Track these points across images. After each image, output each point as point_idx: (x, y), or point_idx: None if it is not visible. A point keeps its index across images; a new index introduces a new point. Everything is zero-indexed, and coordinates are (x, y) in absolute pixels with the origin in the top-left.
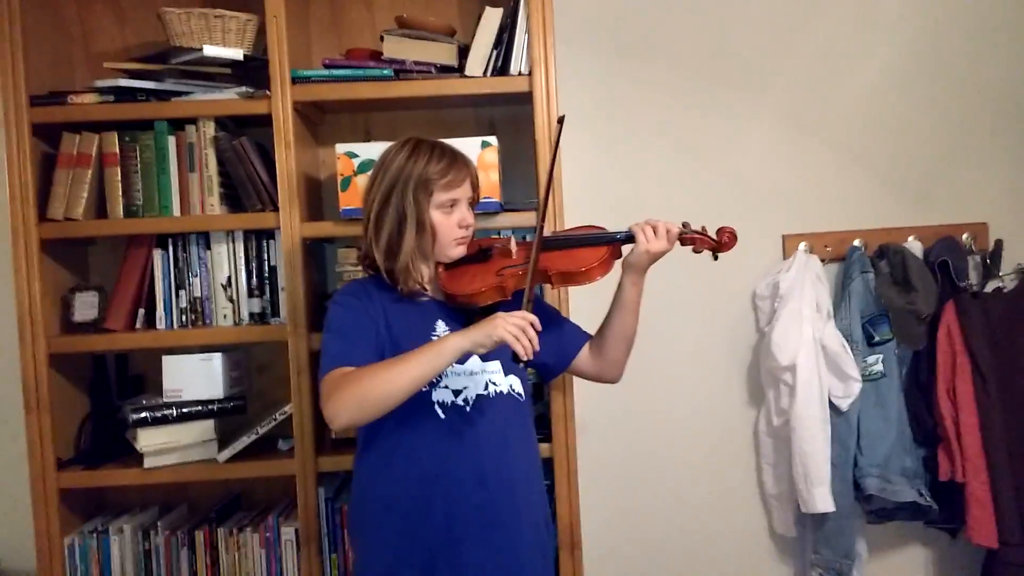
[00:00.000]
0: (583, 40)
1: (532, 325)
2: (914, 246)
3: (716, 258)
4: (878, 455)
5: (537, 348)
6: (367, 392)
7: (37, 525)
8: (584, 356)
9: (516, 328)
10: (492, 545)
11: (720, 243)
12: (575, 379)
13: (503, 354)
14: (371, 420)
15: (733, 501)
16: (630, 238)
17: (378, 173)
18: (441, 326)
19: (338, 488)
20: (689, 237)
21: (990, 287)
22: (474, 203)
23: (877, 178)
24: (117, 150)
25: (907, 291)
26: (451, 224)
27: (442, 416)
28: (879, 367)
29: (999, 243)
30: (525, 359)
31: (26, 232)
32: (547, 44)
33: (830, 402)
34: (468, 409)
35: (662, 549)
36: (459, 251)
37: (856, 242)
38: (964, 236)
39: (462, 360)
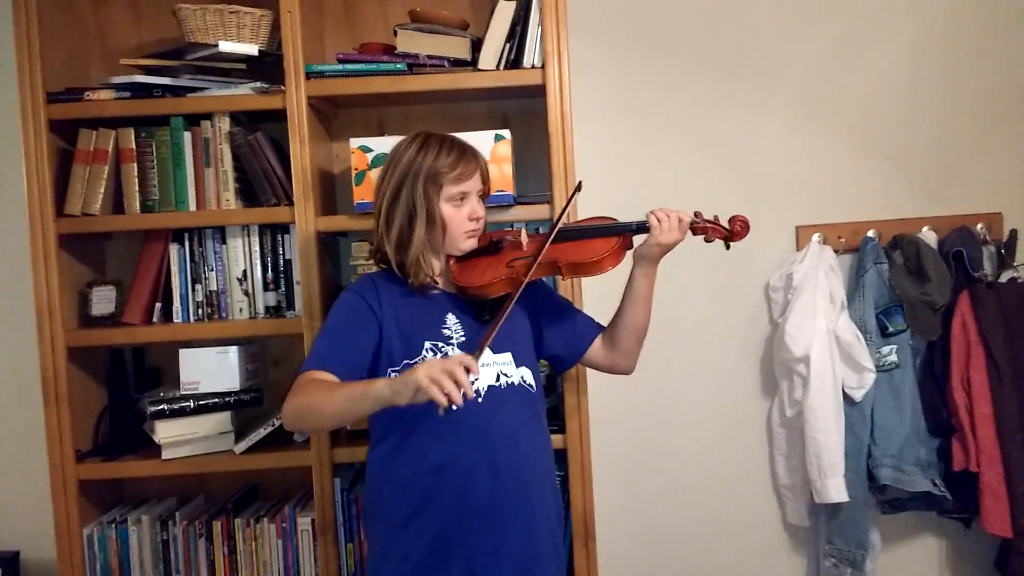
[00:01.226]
0: (596, 32)
1: (467, 368)
2: (928, 236)
3: (728, 247)
4: (892, 445)
5: (470, 394)
6: (305, 409)
7: (57, 516)
8: (597, 348)
9: (439, 375)
10: (504, 535)
11: (732, 232)
12: (588, 371)
13: (515, 345)
14: (307, 431)
15: (746, 492)
16: (641, 228)
17: (389, 167)
18: (451, 319)
19: (353, 479)
20: (701, 226)
21: (1004, 277)
22: (484, 196)
23: (891, 168)
24: (134, 146)
25: (921, 282)
26: (461, 217)
27: (454, 407)
28: (893, 358)
29: (1014, 233)
30: (443, 410)
31: (44, 227)
32: (560, 37)
33: (844, 393)
34: (480, 400)
35: (675, 540)
36: (470, 244)
37: (870, 233)
38: (979, 226)
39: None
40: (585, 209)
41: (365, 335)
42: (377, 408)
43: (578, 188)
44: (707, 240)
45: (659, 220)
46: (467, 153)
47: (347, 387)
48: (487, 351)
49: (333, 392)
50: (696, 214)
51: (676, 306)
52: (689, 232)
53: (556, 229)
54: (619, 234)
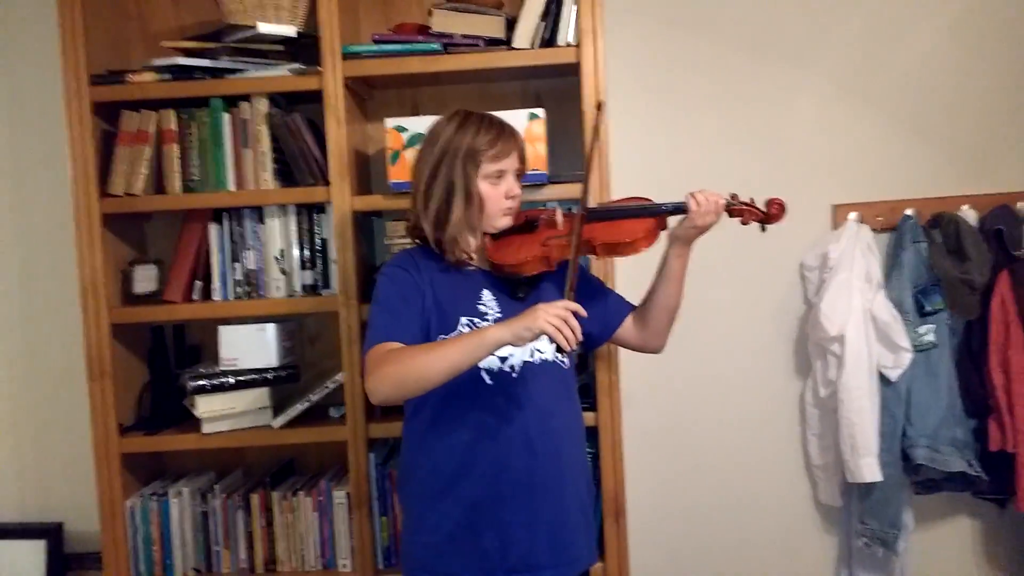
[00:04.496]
0: (629, 11)
1: (575, 313)
2: (968, 215)
3: (764, 230)
4: (928, 425)
5: (580, 338)
6: (406, 373)
7: (100, 488)
8: (628, 326)
9: (557, 319)
10: (536, 506)
11: (768, 215)
12: (620, 350)
13: None
14: (408, 398)
15: (778, 471)
16: (677, 210)
17: (427, 145)
18: (487, 295)
19: (387, 454)
20: (737, 209)
21: None
22: (521, 174)
23: (930, 146)
24: (175, 127)
25: (961, 260)
26: (498, 195)
27: (489, 382)
28: (930, 337)
29: None
30: (568, 350)
31: (89, 207)
32: (596, 15)
33: (879, 373)
34: (514, 375)
35: (706, 518)
36: (505, 221)
37: (908, 211)
38: (1019, 204)
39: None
40: (618, 189)
41: (418, 306)
42: (495, 350)
43: (599, 107)
44: (743, 223)
45: (697, 202)
46: (505, 131)
47: (450, 342)
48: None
49: (434, 351)
50: (732, 196)
51: (709, 285)
52: (725, 214)
53: (584, 193)
54: (655, 215)
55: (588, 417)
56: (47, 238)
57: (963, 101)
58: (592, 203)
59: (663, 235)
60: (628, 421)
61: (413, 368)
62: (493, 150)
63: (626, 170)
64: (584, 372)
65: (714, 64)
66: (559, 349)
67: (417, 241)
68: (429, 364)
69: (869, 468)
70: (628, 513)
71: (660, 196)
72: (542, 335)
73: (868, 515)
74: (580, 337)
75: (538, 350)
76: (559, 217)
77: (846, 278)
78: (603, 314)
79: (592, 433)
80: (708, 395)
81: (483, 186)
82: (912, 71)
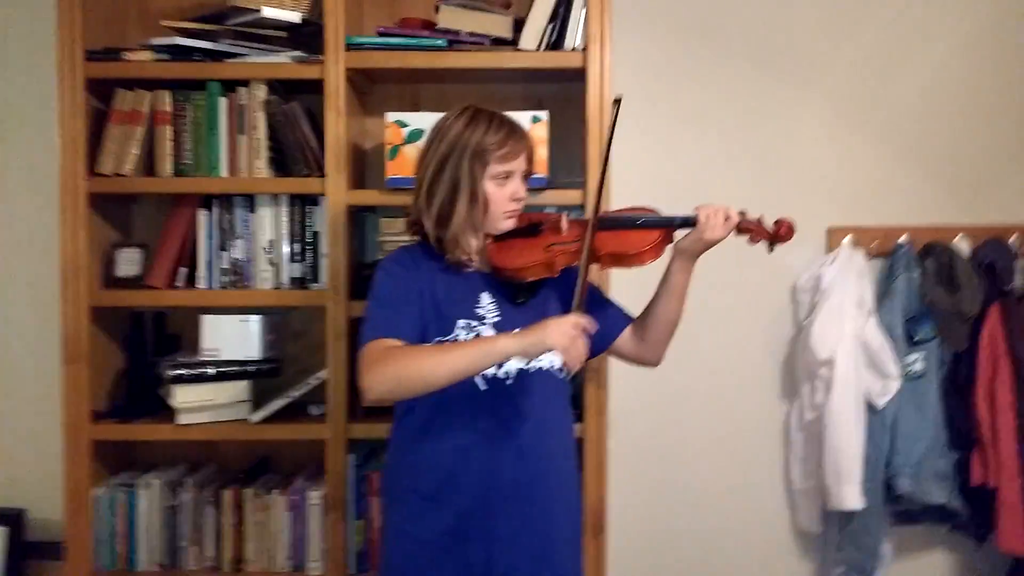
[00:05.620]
0: (636, 20)
1: (585, 331)
2: (961, 245)
3: (771, 250)
4: (913, 455)
5: (586, 355)
6: (407, 374)
7: (67, 475)
8: (625, 338)
9: (568, 337)
10: (524, 518)
11: (777, 235)
12: (611, 364)
13: None
14: (404, 399)
15: (759, 494)
16: (685, 223)
17: (434, 140)
18: (486, 298)
19: (367, 455)
20: (746, 227)
21: None
22: (528, 177)
23: (926, 174)
24: (169, 109)
25: (952, 291)
26: (504, 196)
27: (483, 388)
28: (919, 367)
29: None
30: (572, 372)
31: (75, 185)
32: (604, 20)
33: (866, 399)
34: (509, 382)
35: (685, 538)
36: (509, 224)
37: (902, 239)
38: (1012, 239)
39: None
40: (617, 198)
41: (416, 304)
42: (501, 361)
43: (617, 103)
44: (752, 241)
45: (707, 216)
46: (516, 131)
47: (457, 347)
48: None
49: (439, 354)
50: (741, 213)
51: (700, 302)
52: (733, 231)
53: (597, 201)
54: (664, 228)
55: (575, 428)
56: (30, 215)
57: (962, 132)
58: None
59: (668, 248)
60: (611, 436)
61: (415, 370)
62: (502, 150)
63: (624, 178)
64: (573, 381)
65: (717, 78)
66: (562, 369)
67: (416, 237)
68: (433, 368)
69: (852, 496)
70: (607, 530)
71: (657, 207)
72: (551, 350)
73: (847, 543)
74: (587, 355)
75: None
76: (564, 223)
77: (838, 302)
78: (602, 324)
79: (577, 446)
80: (693, 412)
81: (489, 186)
82: (912, 99)
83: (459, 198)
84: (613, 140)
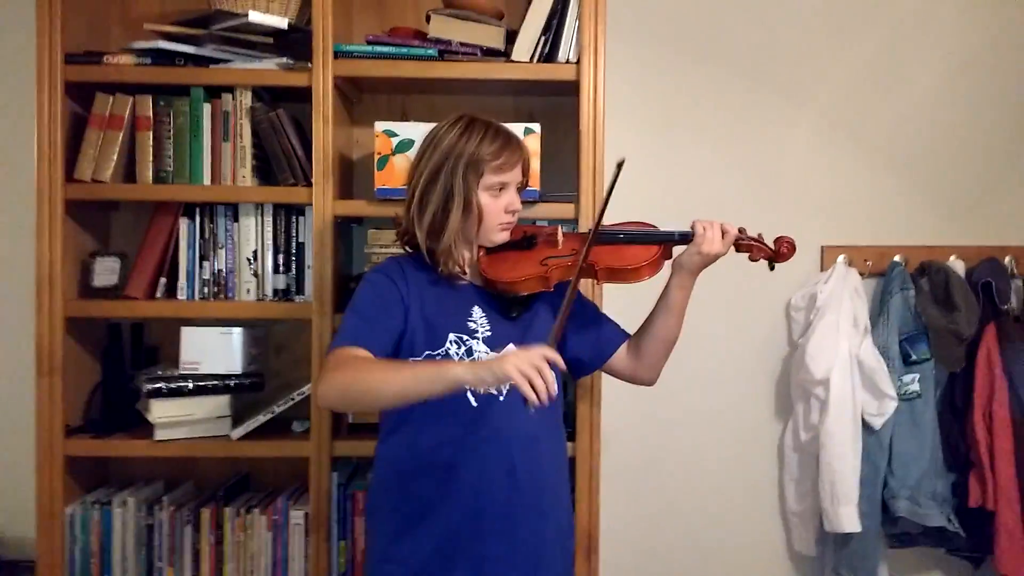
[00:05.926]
0: (630, 33)
1: (552, 363)
2: (956, 265)
3: (772, 268)
4: (911, 477)
5: (553, 393)
6: (355, 385)
7: (39, 492)
8: (621, 356)
9: (530, 369)
10: (514, 539)
11: (778, 253)
12: (604, 382)
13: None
14: (352, 411)
15: (753, 516)
16: (684, 239)
17: (427, 149)
18: (478, 312)
19: (352, 473)
20: (746, 244)
21: None
22: (523, 188)
23: (921, 193)
24: (151, 114)
25: (949, 311)
26: (498, 208)
27: (474, 404)
28: (915, 387)
29: None
30: (534, 407)
31: (52, 192)
32: (598, 33)
33: (862, 419)
34: (501, 399)
35: (678, 561)
36: (503, 236)
37: (897, 257)
38: (1007, 259)
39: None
40: (609, 212)
41: (395, 318)
42: (448, 391)
43: (620, 165)
44: (752, 259)
45: (703, 228)
46: (512, 142)
47: (409, 366)
48: (511, 346)
49: (391, 370)
50: (740, 230)
51: (693, 320)
52: (732, 248)
53: (596, 228)
54: (661, 243)
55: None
56: (4, 221)
57: (956, 151)
58: (588, 225)
59: (667, 265)
60: (604, 454)
61: (363, 382)
62: (497, 161)
63: (616, 193)
64: (565, 398)
65: (710, 94)
66: (525, 402)
67: (407, 249)
68: (379, 384)
69: (848, 517)
70: (600, 550)
71: (650, 221)
72: (507, 382)
73: (843, 566)
74: (554, 392)
75: None
76: (560, 236)
77: (834, 321)
78: (597, 341)
79: (568, 465)
80: (686, 432)
81: (483, 197)
82: (907, 117)
83: (452, 209)
84: (611, 196)
